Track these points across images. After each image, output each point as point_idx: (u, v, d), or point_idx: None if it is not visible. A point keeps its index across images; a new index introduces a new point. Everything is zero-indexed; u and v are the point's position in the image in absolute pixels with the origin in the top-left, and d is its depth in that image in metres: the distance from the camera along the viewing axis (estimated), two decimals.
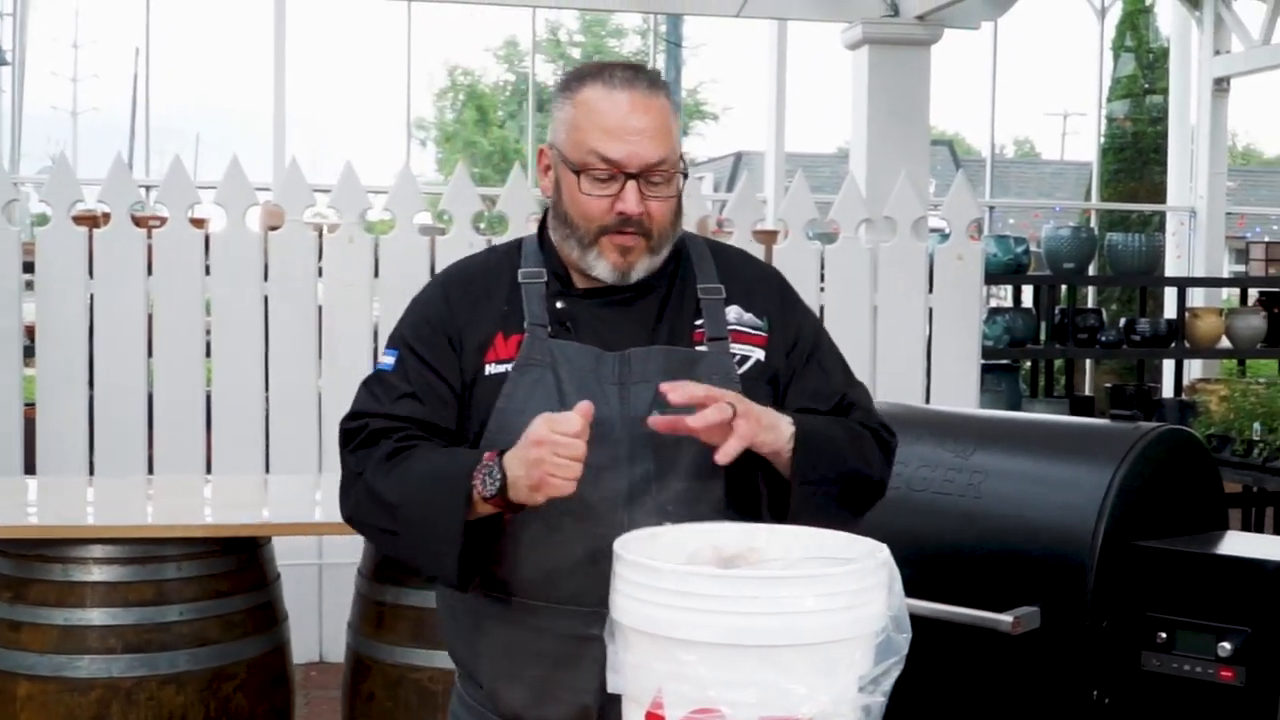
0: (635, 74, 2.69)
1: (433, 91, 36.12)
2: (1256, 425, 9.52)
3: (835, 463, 2.65)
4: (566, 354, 2.66)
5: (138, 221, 7.00)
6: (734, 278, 2.81)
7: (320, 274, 7.06)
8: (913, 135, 10.14)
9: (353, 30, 38.68)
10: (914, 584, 2.32)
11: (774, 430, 2.56)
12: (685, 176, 2.72)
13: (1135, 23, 16.89)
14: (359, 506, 2.67)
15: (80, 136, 31.57)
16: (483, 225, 7.58)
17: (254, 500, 5.64)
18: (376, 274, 7.07)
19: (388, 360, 2.75)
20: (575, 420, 2.40)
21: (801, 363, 2.80)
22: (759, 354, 2.76)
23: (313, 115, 30.89)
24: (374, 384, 2.75)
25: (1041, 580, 3.48)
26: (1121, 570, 3.45)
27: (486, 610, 2.71)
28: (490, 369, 2.69)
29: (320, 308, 7.05)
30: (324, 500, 5.46)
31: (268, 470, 6.95)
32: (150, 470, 6.87)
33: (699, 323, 2.74)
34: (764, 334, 2.77)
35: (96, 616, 4.42)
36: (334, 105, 36.81)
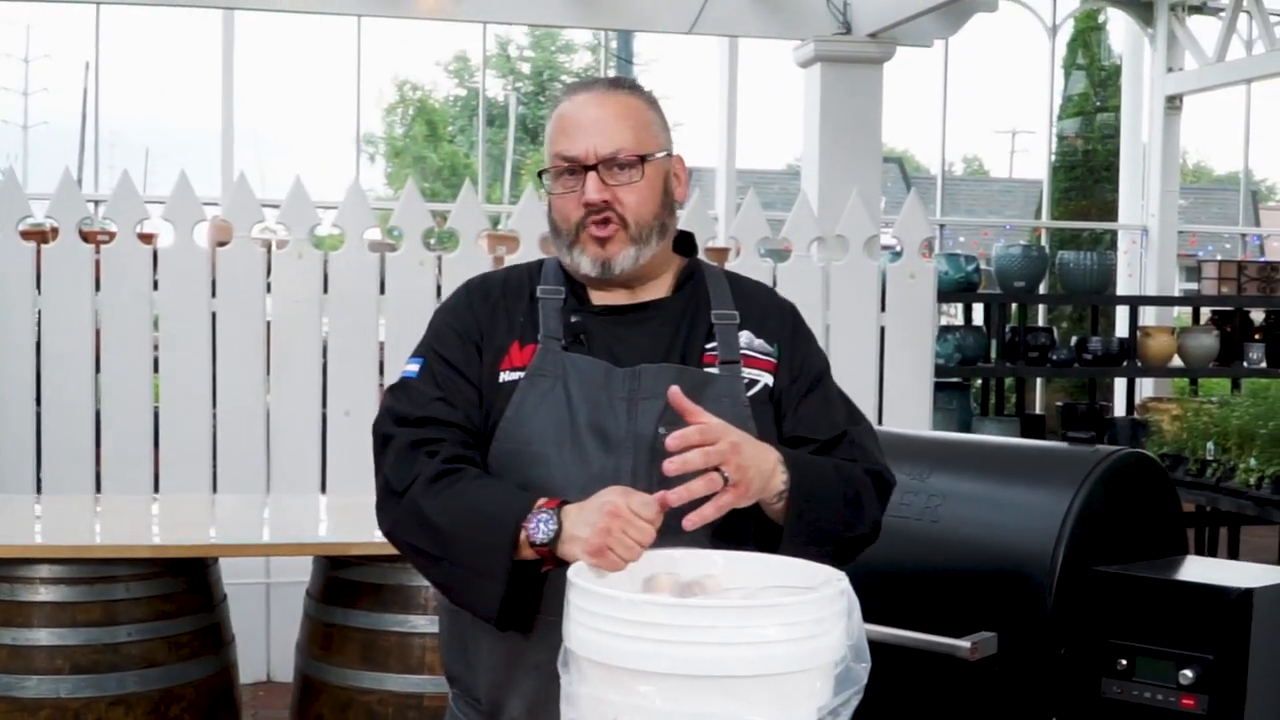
0: (597, 80, 2.80)
1: (382, 106, 36.01)
2: (1210, 445, 9.51)
3: (829, 526, 2.63)
4: (578, 367, 2.69)
5: (86, 237, 6.92)
6: (749, 305, 2.84)
7: (269, 290, 6.99)
8: (865, 153, 10.12)
9: (302, 45, 38.54)
10: (870, 608, 2.28)
11: (763, 490, 2.54)
12: (645, 161, 2.71)
13: (1087, 40, 16.93)
14: (401, 525, 2.65)
15: (31, 150, 31.39)
16: (433, 241, 7.50)
17: (201, 520, 5.57)
18: (326, 290, 7.00)
19: (412, 368, 2.78)
20: (653, 506, 2.39)
21: (803, 392, 2.80)
22: (767, 379, 2.77)
23: (262, 130, 30.72)
24: (399, 391, 2.76)
25: (1000, 605, 3.45)
26: (1081, 596, 3.42)
27: (484, 624, 2.67)
28: (504, 376, 2.71)
29: (269, 324, 6.98)
30: (272, 520, 5.39)
31: (215, 488, 6.87)
32: (98, 487, 6.77)
33: (710, 345, 2.76)
34: (774, 360, 2.79)
35: (44, 637, 4.37)
36: (284, 120, 36.57)
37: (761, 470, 2.52)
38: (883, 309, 7.62)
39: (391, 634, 4.50)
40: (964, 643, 3.38)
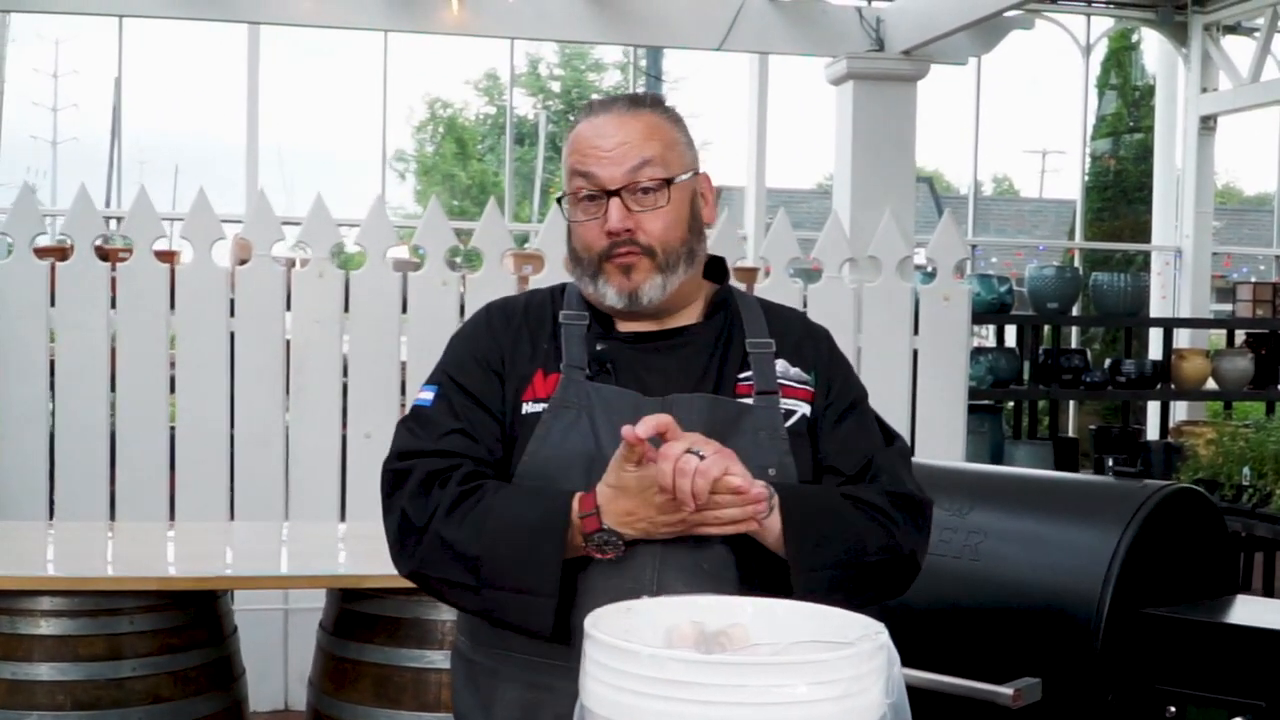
0: (618, 98, 2.63)
1: (412, 124, 35.98)
2: (1245, 470, 9.37)
3: (836, 546, 2.47)
4: (604, 397, 2.55)
5: (107, 255, 6.79)
6: (783, 332, 2.70)
7: (289, 309, 6.85)
8: (898, 172, 9.95)
9: (332, 62, 38.52)
10: (907, 652, 2.13)
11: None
12: (671, 183, 2.57)
13: (1120, 60, 16.80)
14: (428, 560, 2.50)
15: (60, 166, 31.35)
16: (458, 260, 7.35)
17: (214, 550, 5.38)
18: (347, 309, 6.86)
19: (426, 396, 2.64)
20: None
21: (834, 419, 2.66)
22: (805, 408, 2.63)
23: (290, 147, 30.74)
24: (413, 423, 2.62)
25: (1044, 649, 3.28)
26: (1129, 639, 3.25)
27: (504, 671, 2.57)
28: (527, 408, 2.58)
29: (288, 344, 6.83)
30: (288, 550, 5.24)
31: (233, 511, 6.72)
32: (112, 512, 6.62)
33: (744, 375, 2.62)
34: (810, 388, 2.65)
35: (44, 671, 4.21)
36: (313, 137, 36.60)
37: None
38: (915, 332, 7.46)
39: (407, 670, 4.33)
40: (1006, 689, 3.21)
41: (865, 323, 7.34)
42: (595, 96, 2.76)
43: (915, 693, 2.18)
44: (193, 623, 4.40)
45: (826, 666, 1.98)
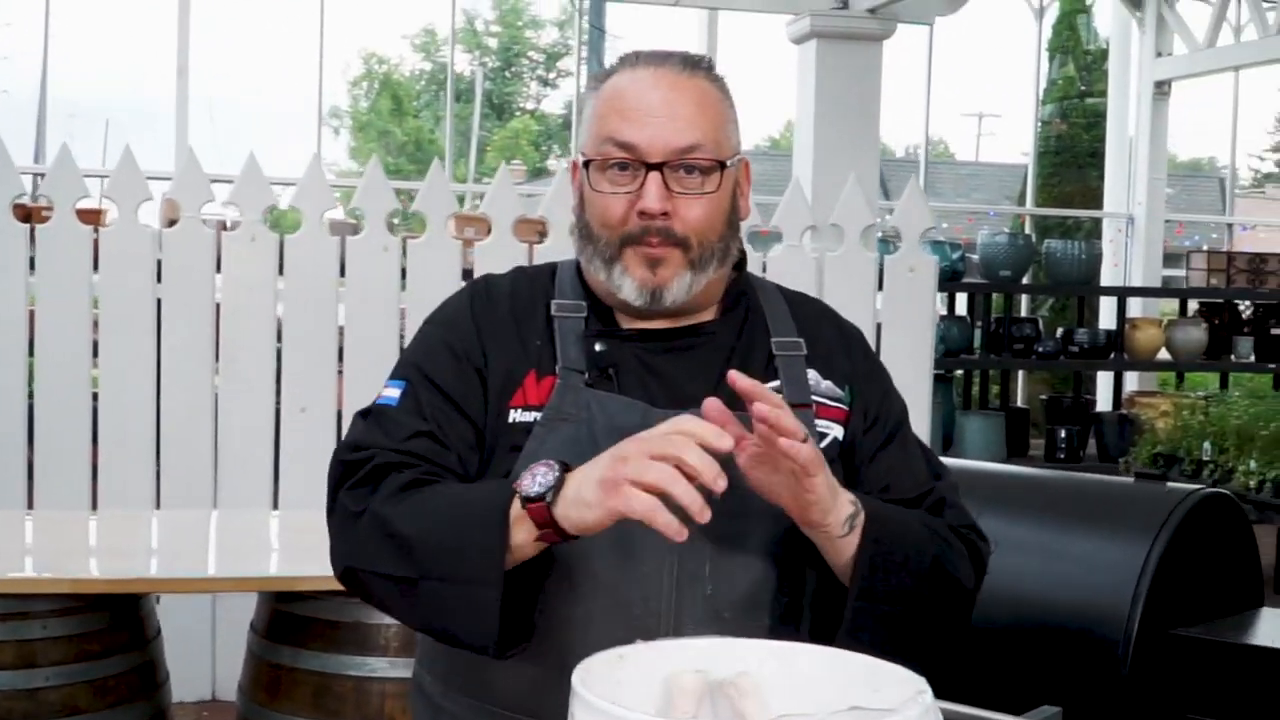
0: (670, 54, 2.22)
1: (348, 79, 35.57)
2: (1206, 445, 9.22)
3: (909, 577, 2.11)
4: (606, 408, 2.16)
5: (27, 214, 6.37)
6: (813, 334, 2.32)
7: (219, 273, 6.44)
8: (862, 136, 9.66)
9: (265, 14, 37.91)
10: None
11: (828, 509, 2.05)
12: (725, 169, 2.18)
13: (1072, 24, 16.53)
14: (361, 550, 2.09)
15: None
16: (395, 222, 6.95)
17: (138, 545, 4.98)
18: (281, 274, 6.46)
19: (391, 394, 2.23)
20: (711, 430, 1.88)
21: (880, 441, 2.30)
22: (837, 430, 2.27)
23: (221, 102, 30.14)
24: (372, 422, 2.21)
25: (1065, 675, 2.96)
26: (1158, 664, 2.93)
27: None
28: (515, 415, 2.19)
29: (218, 311, 6.42)
30: (217, 544, 4.87)
31: (159, 492, 6.31)
32: (30, 497, 6.19)
33: (772, 385, 2.19)
34: (845, 407, 2.28)
35: None
36: (245, 92, 36.04)
37: (831, 485, 2.03)
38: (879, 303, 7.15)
39: (347, 678, 3.94)
40: None
41: (827, 294, 6.99)
42: (639, 49, 2.28)
43: None
44: (112, 626, 4.02)
45: None
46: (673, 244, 2.15)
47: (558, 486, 1.92)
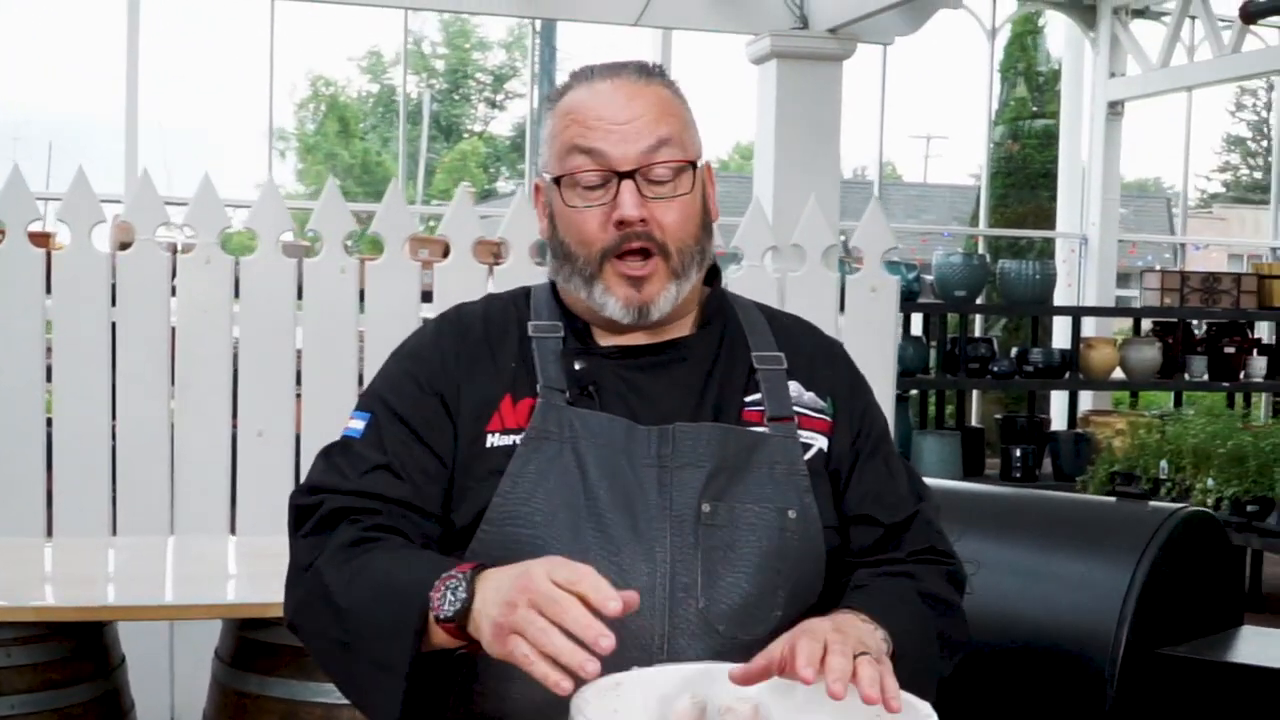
0: (624, 64, 2.22)
1: (294, 101, 35.47)
2: (1163, 463, 9.22)
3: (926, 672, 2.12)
4: (590, 427, 2.13)
5: None
6: (793, 348, 2.31)
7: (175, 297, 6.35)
8: (823, 156, 9.64)
9: (214, 35, 37.79)
10: None
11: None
12: (696, 169, 2.19)
13: (1024, 44, 16.58)
14: (304, 607, 2.11)
15: None
16: (349, 244, 6.86)
17: (97, 572, 4.87)
18: (237, 297, 6.37)
19: (355, 425, 2.22)
20: (590, 581, 1.80)
21: (864, 456, 2.29)
22: (821, 442, 2.25)
23: (169, 123, 30.03)
24: (336, 454, 2.20)
25: (1051, 697, 2.92)
26: (1145, 684, 2.89)
27: None
28: (493, 440, 2.16)
29: (174, 335, 6.33)
30: (176, 570, 4.79)
31: (115, 518, 6.20)
32: None
33: (752, 399, 2.22)
34: (828, 419, 2.27)
35: None
36: (192, 113, 35.90)
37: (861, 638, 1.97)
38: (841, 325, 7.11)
39: (316, 705, 3.87)
40: None
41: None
42: (592, 64, 2.26)
43: None
44: (76, 655, 3.93)
45: None
46: (655, 252, 2.13)
47: (466, 608, 1.89)
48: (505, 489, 2.10)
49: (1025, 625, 2.98)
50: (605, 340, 2.23)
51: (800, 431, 2.22)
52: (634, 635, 2.02)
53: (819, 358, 2.33)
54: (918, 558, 2.27)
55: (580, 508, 2.10)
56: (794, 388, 2.25)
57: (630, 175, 2.12)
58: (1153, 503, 3.12)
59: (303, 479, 2.25)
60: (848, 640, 1.89)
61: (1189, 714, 2.89)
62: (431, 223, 14.33)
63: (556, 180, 2.18)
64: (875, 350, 7.06)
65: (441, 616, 1.89)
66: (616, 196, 2.12)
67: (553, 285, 2.30)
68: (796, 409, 2.23)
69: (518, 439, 2.14)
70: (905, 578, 2.22)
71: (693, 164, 2.17)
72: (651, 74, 2.22)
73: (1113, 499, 3.20)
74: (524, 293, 2.33)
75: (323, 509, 2.12)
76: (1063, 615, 2.93)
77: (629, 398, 2.18)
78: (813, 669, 1.81)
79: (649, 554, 2.07)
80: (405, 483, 2.14)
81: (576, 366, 2.20)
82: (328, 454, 2.22)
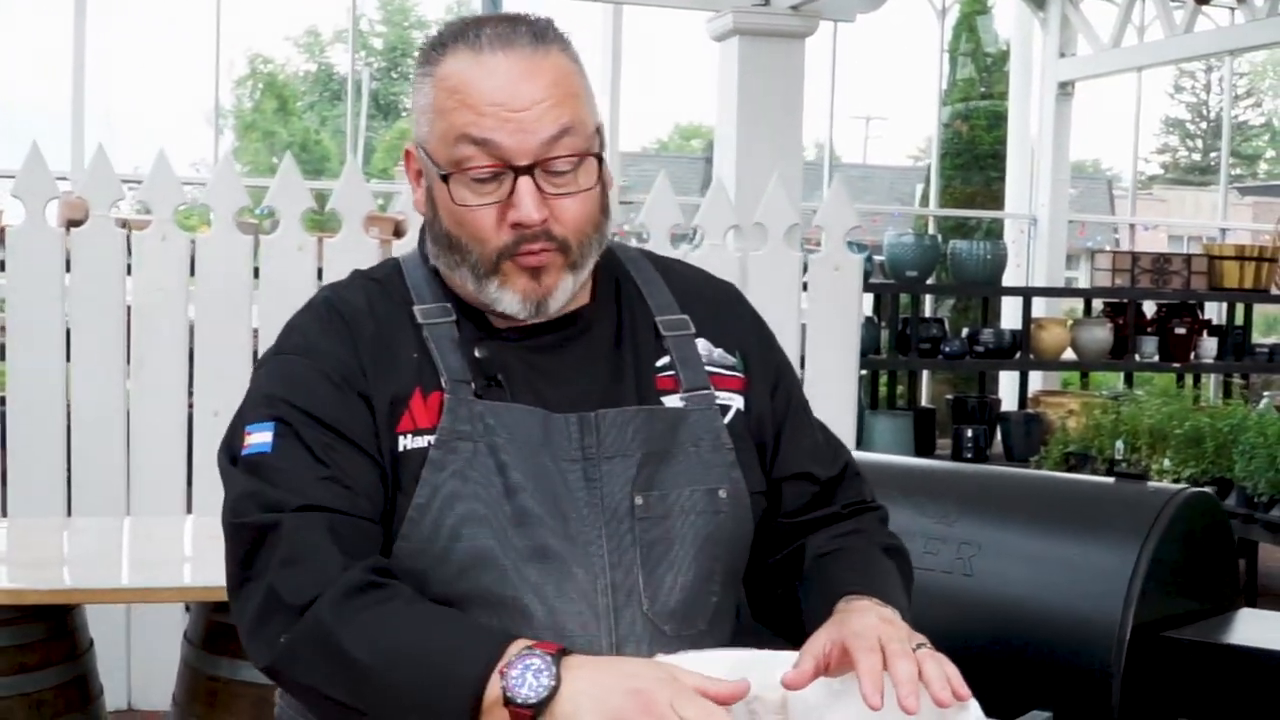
0: (513, 27, 1.96)
1: (232, 79, 35.25)
2: (1119, 444, 9.21)
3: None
4: (504, 421, 1.95)
5: None
6: (694, 302, 2.15)
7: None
8: (785, 135, 9.56)
9: (155, 13, 37.47)
10: None
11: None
12: (601, 160, 2.00)
13: (972, 25, 16.56)
14: (300, 658, 1.80)
15: None
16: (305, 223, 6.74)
17: (56, 555, 4.78)
18: (192, 275, 6.26)
19: (260, 440, 1.92)
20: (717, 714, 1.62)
21: (791, 411, 2.17)
22: (738, 401, 2.11)
23: (112, 102, 29.74)
24: (254, 475, 1.91)
25: (1055, 679, 2.86)
26: (1150, 667, 2.84)
27: None
28: (405, 442, 1.94)
29: (129, 313, 6.22)
30: (135, 552, 4.68)
31: (70, 499, 6.10)
32: None
33: (662, 363, 2.06)
34: (740, 375, 2.12)
35: None
36: (132, 91, 35.58)
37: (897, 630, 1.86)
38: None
39: None
40: None
41: (751, 293, 6.87)
42: (478, 17, 2.00)
43: None
44: (49, 638, 3.84)
45: None
46: (555, 249, 1.95)
47: (554, 690, 1.65)
48: (421, 499, 1.92)
49: (1027, 609, 2.92)
50: (501, 322, 2.04)
51: (716, 394, 2.08)
52: (582, 650, 1.81)
53: (722, 307, 2.19)
54: (853, 508, 2.20)
55: (505, 515, 1.93)
56: (702, 345, 2.11)
57: (529, 170, 1.92)
58: (1153, 484, 3.07)
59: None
60: (899, 635, 1.80)
61: (1194, 697, 2.85)
62: (380, 201, 14.26)
63: (446, 175, 1.95)
64: (838, 329, 7.03)
65: (521, 701, 1.64)
66: (513, 194, 1.92)
67: (425, 260, 2.09)
68: (709, 369, 2.10)
69: (431, 439, 1.93)
70: (857, 535, 2.14)
71: (597, 156, 1.98)
72: (547, 38, 1.97)
73: (1110, 480, 3.14)
74: (394, 269, 2.11)
75: (286, 528, 1.84)
76: (1066, 599, 2.87)
77: (537, 383, 2.01)
78: (879, 695, 1.70)
79: (585, 559, 1.92)
80: (359, 497, 1.90)
81: (477, 354, 2.01)
82: (245, 473, 1.92)
